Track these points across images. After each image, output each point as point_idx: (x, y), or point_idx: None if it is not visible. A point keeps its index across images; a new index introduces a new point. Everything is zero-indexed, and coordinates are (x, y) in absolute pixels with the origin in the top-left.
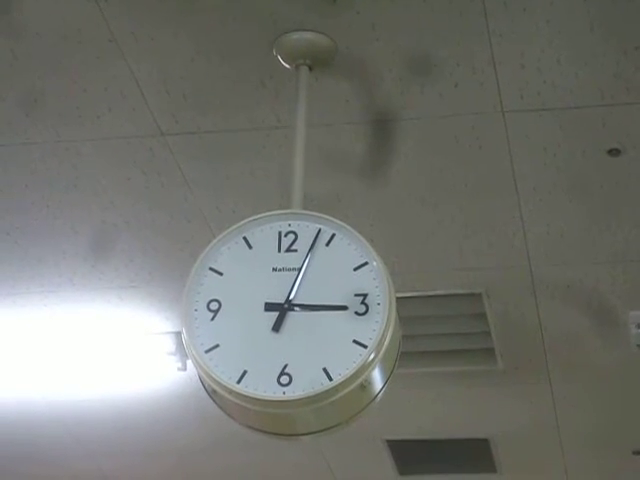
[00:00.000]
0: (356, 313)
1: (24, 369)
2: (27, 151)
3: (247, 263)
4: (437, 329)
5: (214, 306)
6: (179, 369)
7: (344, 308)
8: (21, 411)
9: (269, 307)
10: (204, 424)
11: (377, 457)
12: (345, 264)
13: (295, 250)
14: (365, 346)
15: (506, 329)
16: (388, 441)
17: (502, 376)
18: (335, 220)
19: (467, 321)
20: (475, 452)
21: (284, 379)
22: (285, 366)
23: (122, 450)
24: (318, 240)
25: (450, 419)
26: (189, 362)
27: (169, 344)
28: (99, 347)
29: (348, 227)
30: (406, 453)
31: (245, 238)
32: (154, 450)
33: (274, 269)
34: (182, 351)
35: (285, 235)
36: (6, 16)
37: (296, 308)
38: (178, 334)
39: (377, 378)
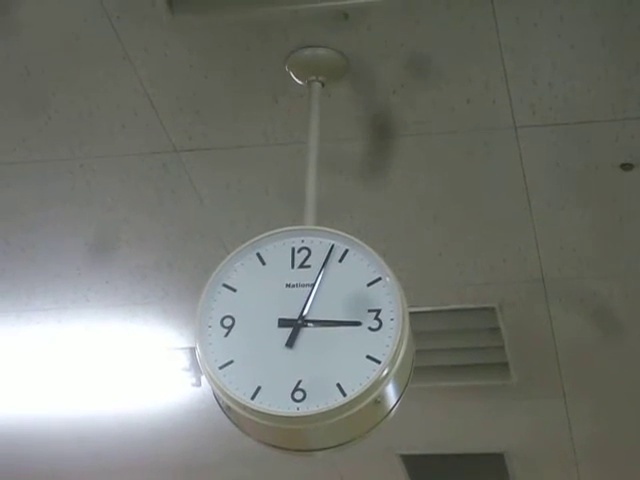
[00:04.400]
0: (369, 329)
1: (40, 386)
2: (41, 168)
3: (261, 279)
4: (451, 344)
5: (228, 322)
6: (193, 385)
7: (357, 324)
8: (37, 428)
9: (283, 323)
10: (218, 439)
11: (391, 472)
12: (358, 280)
13: (308, 266)
14: (379, 361)
15: (520, 343)
16: (402, 456)
17: (516, 390)
18: (348, 236)
19: (481, 335)
20: (490, 467)
21: (298, 395)
22: (299, 382)
23: (137, 466)
24: (331, 256)
25: (464, 434)
26: (203, 378)
27: (183, 360)
28: (114, 363)
29: (361, 243)
30: (420, 468)
31: (259, 254)
32: (169, 465)
33: (287, 285)
34: (196, 367)
35: (298, 251)
36: (18, 33)
37: (310, 324)
38: (192, 350)
39: (391, 393)
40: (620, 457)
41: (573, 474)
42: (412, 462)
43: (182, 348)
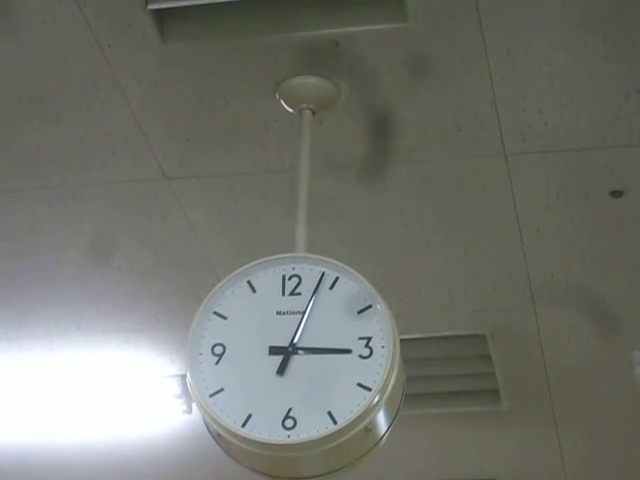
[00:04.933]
0: (360, 356)
1: (31, 413)
2: (31, 196)
3: (251, 307)
4: (441, 371)
5: (218, 350)
6: (184, 412)
7: (348, 351)
8: (28, 455)
9: (273, 351)
10: (209, 466)
11: None
12: (349, 307)
13: (299, 293)
14: (369, 389)
15: (511, 370)
16: None
17: (507, 417)
18: (339, 263)
19: (471, 362)
20: None
21: (289, 423)
22: (290, 410)
23: None
24: (322, 283)
25: (456, 460)
26: (194, 405)
27: (175, 387)
28: (105, 390)
29: (352, 270)
30: None
31: (249, 282)
32: None
33: (278, 313)
34: (188, 394)
35: (289, 278)
36: (12, 60)
37: (300, 352)
38: (184, 377)
39: (382, 421)
40: None
41: None
42: None
43: (173, 375)
